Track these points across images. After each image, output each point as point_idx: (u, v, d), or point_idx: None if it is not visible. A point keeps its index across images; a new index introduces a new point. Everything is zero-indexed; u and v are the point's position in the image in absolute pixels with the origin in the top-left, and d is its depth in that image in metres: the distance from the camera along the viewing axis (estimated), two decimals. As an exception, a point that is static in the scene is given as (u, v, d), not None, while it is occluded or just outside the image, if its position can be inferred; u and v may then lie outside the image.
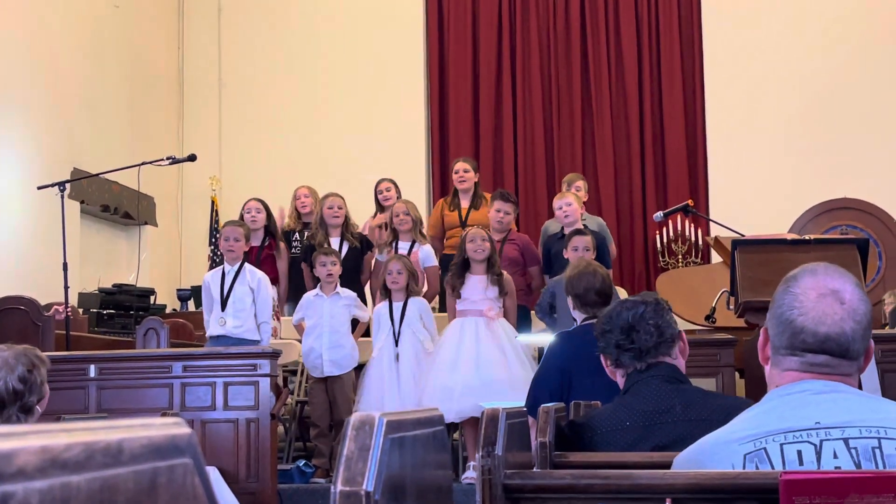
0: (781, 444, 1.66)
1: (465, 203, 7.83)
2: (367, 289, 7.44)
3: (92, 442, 0.58)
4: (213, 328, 6.34)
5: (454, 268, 6.36)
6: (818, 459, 1.64)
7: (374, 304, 6.84)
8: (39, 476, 0.54)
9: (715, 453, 1.73)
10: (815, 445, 1.65)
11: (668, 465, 1.93)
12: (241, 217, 7.32)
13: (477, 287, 6.26)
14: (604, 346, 2.82)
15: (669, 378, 2.69)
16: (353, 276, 7.22)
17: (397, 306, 6.39)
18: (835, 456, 1.64)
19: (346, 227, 7.41)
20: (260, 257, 7.22)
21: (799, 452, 1.65)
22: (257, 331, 6.34)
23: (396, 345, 6.31)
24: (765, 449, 1.67)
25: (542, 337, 6.30)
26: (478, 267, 6.29)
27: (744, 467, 1.67)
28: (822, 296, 1.72)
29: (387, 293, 6.45)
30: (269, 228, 7.38)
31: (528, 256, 7.22)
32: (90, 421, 0.60)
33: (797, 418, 1.67)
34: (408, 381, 6.24)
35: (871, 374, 4.25)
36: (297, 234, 7.81)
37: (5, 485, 0.52)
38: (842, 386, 1.72)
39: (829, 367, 1.72)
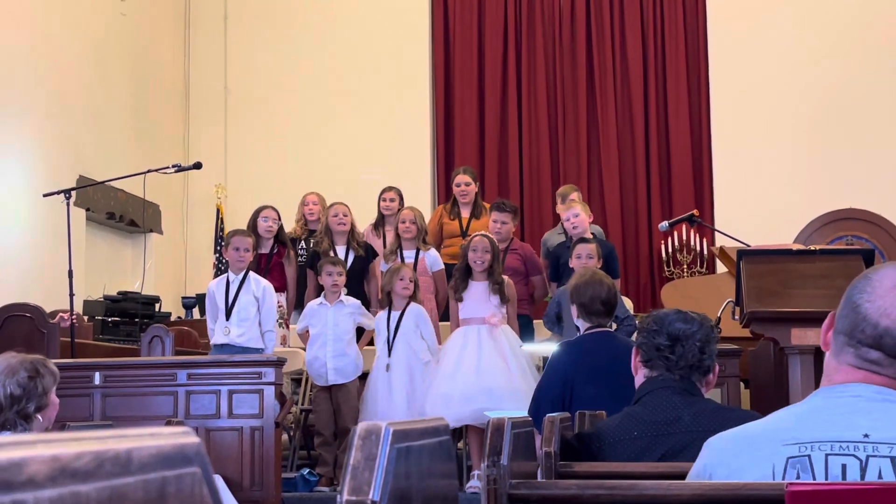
0: (827, 455, 1.59)
1: (465, 213, 7.81)
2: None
3: (101, 451, 0.58)
4: (217, 337, 6.33)
5: (457, 273, 6.37)
6: (862, 477, 1.57)
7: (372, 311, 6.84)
8: (49, 485, 0.54)
9: (758, 447, 1.67)
10: (860, 461, 1.57)
11: (674, 476, 1.92)
12: (256, 223, 7.30)
13: (479, 294, 6.26)
14: (643, 341, 2.77)
15: (681, 390, 2.68)
16: (358, 284, 7.21)
17: (394, 315, 6.37)
18: (879, 476, 1.56)
19: (352, 235, 7.39)
20: (269, 265, 7.22)
21: (843, 466, 1.58)
22: (262, 339, 6.34)
23: (389, 355, 6.31)
24: (809, 456, 1.61)
25: (547, 346, 6.29)
26: (479, 274, 6.30)
27: (784, 471, 1.62)
28: None
29: (388, 301, 6.43)
30: (279, 236, 7.38)
31: (531, 266, 7.21)
32: (99, 430, 0.60)
33: (846, 426, 1.60)
34: (399, 391, 6.22)
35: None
36: (302, 241, 7.79)
37: (16, 493, 0.52)
38: None
39: (878, 366, 1.63)
